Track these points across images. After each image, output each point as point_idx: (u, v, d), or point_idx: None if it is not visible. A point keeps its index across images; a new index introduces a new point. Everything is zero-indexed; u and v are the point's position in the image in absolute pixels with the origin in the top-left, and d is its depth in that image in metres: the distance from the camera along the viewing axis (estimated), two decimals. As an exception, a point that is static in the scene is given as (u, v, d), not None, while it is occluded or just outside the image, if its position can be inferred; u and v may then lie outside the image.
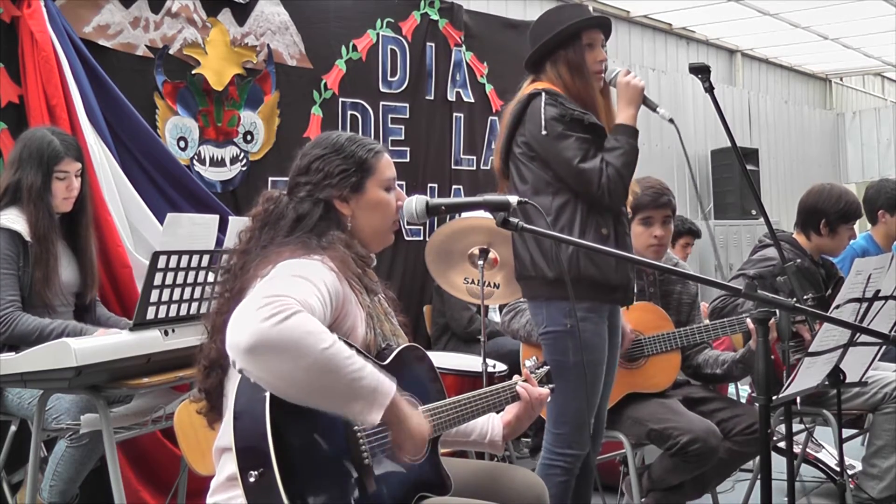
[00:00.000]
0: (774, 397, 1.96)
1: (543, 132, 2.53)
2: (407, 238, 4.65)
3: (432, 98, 4.81)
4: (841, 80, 12.23)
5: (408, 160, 4.66)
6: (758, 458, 3.13)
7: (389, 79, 4.61)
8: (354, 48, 4.44)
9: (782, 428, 2.46)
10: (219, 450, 1.72)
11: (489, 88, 5.06)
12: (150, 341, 2.51)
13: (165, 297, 2.57)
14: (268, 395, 1.53)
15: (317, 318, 1.54)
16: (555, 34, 2.62)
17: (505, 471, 2.09)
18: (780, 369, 2.49)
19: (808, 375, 2.21)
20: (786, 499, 2.39)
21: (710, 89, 2.30)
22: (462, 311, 4.34)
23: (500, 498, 1.93)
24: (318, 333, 1.50)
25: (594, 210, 2.56)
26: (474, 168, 5.02)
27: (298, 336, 1.47)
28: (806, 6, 8.09)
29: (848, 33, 9.38)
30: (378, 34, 4.55)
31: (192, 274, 2.63)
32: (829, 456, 3.89)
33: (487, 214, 1.98)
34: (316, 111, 4.27)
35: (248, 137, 4.01)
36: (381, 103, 4.57)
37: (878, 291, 2.21)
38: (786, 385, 2.16)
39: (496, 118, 4.89)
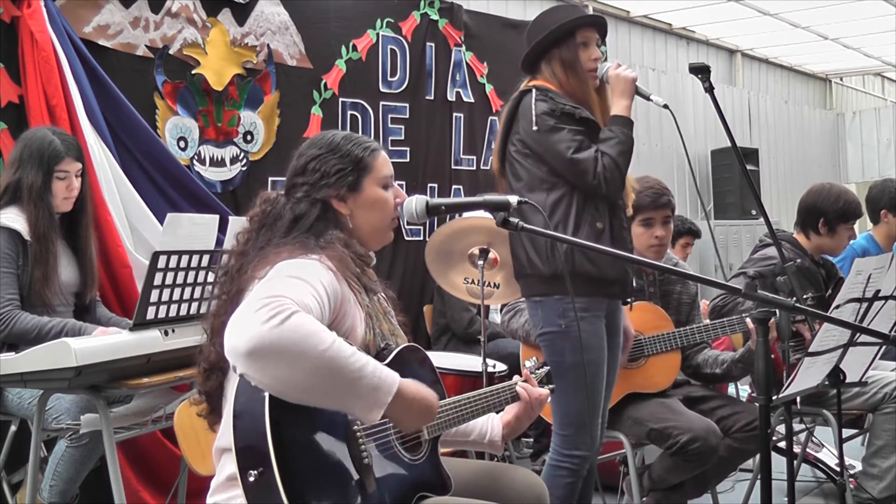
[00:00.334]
0: (774, 397, 1.95)
1: (534, 128, 2.54)
2: (407, 238, 4.65)
3: (432, 98, 4.81)
4: (841, 80, 12.23)
5: (408, 160, 4.66)
6: (758, 458, 3.13)
7: (389, 79, 4.61)
8: (354, 48, 4.44)
9: (782, 428, 2.46)
10: (219, 450, 1.72)
11: (489, 88, 5.06)
12: (150, 341, 2.50)
13: (165, 297, 2.57)
14: (267, 394, 1.53)
15: (315, 318, 1.53)
16: (548, 33, 2.63)
17: (505, 471, 2.08)
18: (780, 369, 2.49)
19: (808, 375, 2.21)
20: (786, 499, 2.38)
21: (710, 89, 2.30)
22: (462, 312, 4.34)
23: (500, 498, 1.93)
24: (317, 334, 1.50)
25: (589, 205, 2.56)
26: (474, 168, 5.02)
27: (298, 338, 1.47)
28: (806, 6, 8.09)
29: (848, 33, 9.38)
30: (378, 34, 4.55)
31: (192, 274, 2.63)
32: (829, 456, 3.89)
33: (487, 214, 1.98)
34: (316, 111, 4.27)
35: (248, 137, 4.01)
36: (381, 103, 4.57)
37: (878, 291, 2.21)
38: (786, 385, 2.16)
39: (496, 118, 4.88)
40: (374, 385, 1.55)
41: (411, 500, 1.78)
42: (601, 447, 2.89)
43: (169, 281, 2.56)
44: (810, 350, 2.19)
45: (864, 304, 2.20)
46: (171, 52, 3.72)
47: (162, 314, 2.57)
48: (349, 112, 4.43)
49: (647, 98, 2.61)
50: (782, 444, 3.18)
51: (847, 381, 2.30)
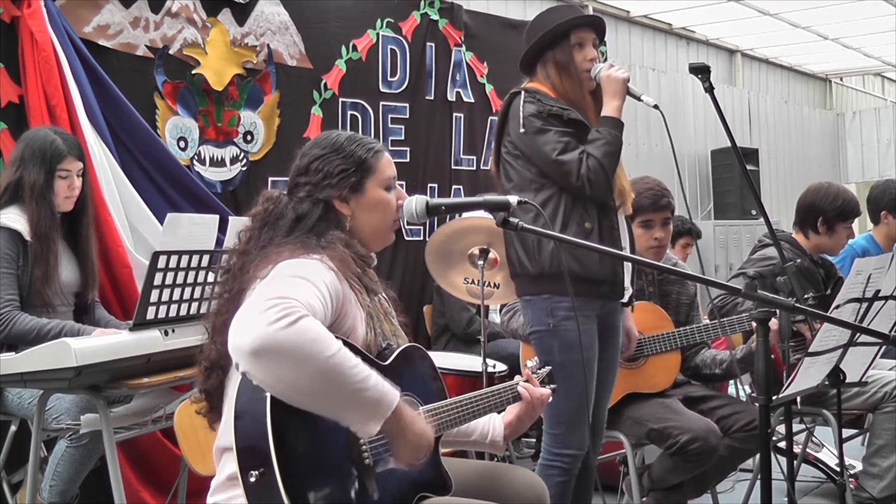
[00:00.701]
0: (774, 397, 1.95)
1: (522, 130, 2.56)
2: (407, 238, 4.65)
3: (432, 98, 4.81)
4: (841, 80, 12.24)
5: (408, 160, 4.66)
6: (758, 458, 3.13)
7: (389, 79, 4.61)
8: (354, 48, 4.44)
9: (782, 428, 2.46)
10: (219, 449, 1.72)
11: (489, 88, 5.06)
12: (150, 341, 2.50)
13: (165, 297, 2.57)
14: (268, 394, 1.53)
15: (319, 319, 1.54)
16: (542, 35, 2.64)
17: (505, 471, 2.08)
18: (780, 369, 2.49)
19: (808, 375, 2.21)
20: (786, 499, 2.39)
21: (710, 89, 2.30)
22: (461, 312, 4.33)
23: (500, 498, 1.93)
24: (323, 340, 1.50)
25: (577, 205, 2.56)
26: (474, 168, 5.02)
27: (304, 342, 1.47)
28: (806, 6, 8.09)
29: (848, 33, 9.38)
30: (378, 34, 4.55)
31: (192, 274, 2.63)
32: (829, 456, 3.89)
33: (487, 214, 1.98)
34: (316, 111, 4.27)
35: (248, 137, 4.01)
36: (381, 103, 4.57)
37: (878, 291, 2.21)
38: (786, 385, 2.16)
39: (496, 118, 4.89)
40: (375, 398, 1.55)
41: (412, 500, 1.78)
42: (601, 447, 2.89)
43: (169, 281, 2.56)
44: (810, 350, 2.19)
45: (864, 304, 2.21)
46: (171, 52, 3.72)
47: (162, 314, 2.57)
48: (349, 112, 4.43)
49: (638, 98, 2.61)
50: (782, 444, 3.18)
51: (847, 381, 2.31)
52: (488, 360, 3.26)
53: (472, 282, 3.48)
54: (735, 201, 8.53)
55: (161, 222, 3.17)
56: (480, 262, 3.31)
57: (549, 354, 2.52)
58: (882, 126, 11.38)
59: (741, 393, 4.18)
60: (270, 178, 4.03)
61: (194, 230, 2.80)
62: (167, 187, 3.59)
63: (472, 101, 5.01)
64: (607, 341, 2.68)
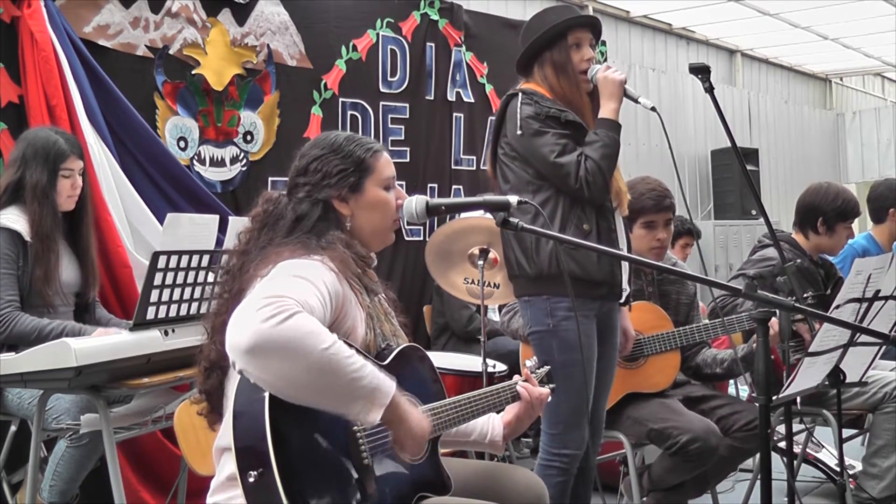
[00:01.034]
0: (774, 397, 1.96)
1: (519, 131, 2.56)
2: (407, 238, 4.65)
3: (432, 98, 4.81)
4: (841, 80, 12.23)
5: (408, 160, 4.66)
6: (758, 458, 3.13)
7: (389, 79, 4.61)
8: (354, 48, 4.44)
9: (782, 428, 2.46)
10: (219, 450, 1.72)
11: (489, 88, 5.06)
12: (150, 341, 2.51)
13: (165, 298, 2.57)
14: (267, 394, 1.53)
15: (316, 318, 1.54)
16: (539, 36, 2.63)
17: (505, 471, 2.09)
18: (780, 369, 2.49)
19: (808, 375, 2.21)
20: (786, 499, 2.39)
21: (710, 89, 2.30)
22: (461, 310, 4.34)
23: (500, 498, 1.93)
24: (318, 334, 1.50)
25: (575, 207, 2.56)
26: (474, 168, 5.02)
27: (299, 337, 1.47)
28: (806, 6, 8.08)
29: (848, 33, 9.37)
30: (378, 34, 4.55)
31: (192, 274, 2.63)
32: (829, 456, 3.89)
33: (487, 214, 1.98)
34: (316, 111, 4.27)
35: (248, 137, 4.01)
36: (381, 103, 4.57)
37: (878, 291, 2.21)
38: (786, 385, 2.16)
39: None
40: (372, 386, 1.56)
41: (411, 500, 1.78)
42: (600, 447, 2.89)
43: (169, 281, 2.56)
44: (810, 350, 2.19)
45: (864, 304, 2.21)
46: (171, 52, 3.72)
47: (162, 314, 2.57)
48: (349, 112, 4.43)
49: (635, 101, 2.61)
50: (782, 444, 3.18)
51: (847, 381, 2.31)
52: (488, 360, 3.26)
53: (472, 282, 3.48)
54: (735, 201, 8.53)
55: (161, 222, 3.17)
56: (480, 262, 3.31)
57: (548, 354, 2.52)
58: (882, 126, 11.37)
59: (741, 393, 4.18)
60: (270, 179, 4.03)
61: (194, 230, 2.80)
62: (167, 187, 3.59)
63: (472, 101, 5.01)
64: (605, 341, 2.68)
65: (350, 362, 1.53)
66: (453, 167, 4.94)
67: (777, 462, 2.27)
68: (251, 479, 1.52)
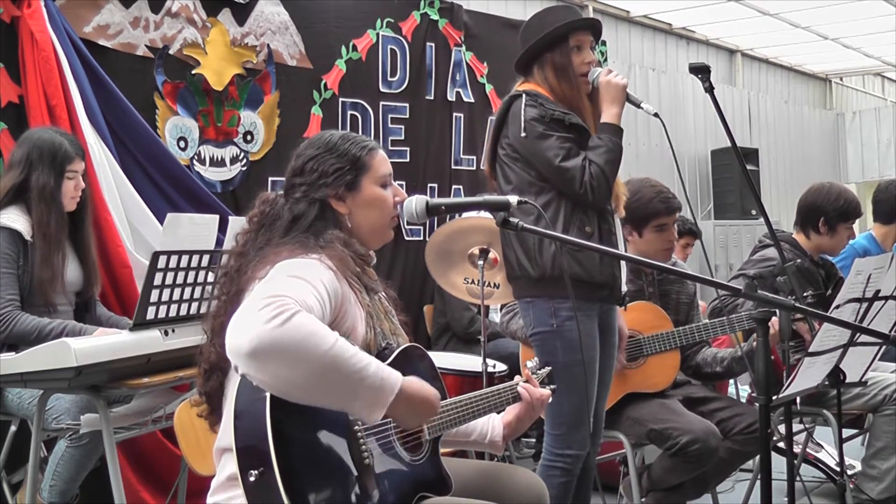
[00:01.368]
0: (774, 397, 1.95)
1: (523, 134, 2.54)
2: (407, 238, 4.65)
3: (432, 98, 4.81)
4: (841, 80, 12.23)
5: (408, 160, 4.66)
6: (758, 458, 3.13)
7: (389, 79, 4.61)
8: (354, 48, 4.44)
9: (782, 428, 2.46)
10: (219, 450, 1.72)
11: (489, 88, 5.06)
12: (150, 341, 2.50)
13: (165, 298, 2.57)
14: (268, 394, 1.53)
15: (316, 317, 1.53)
16: (541, 37, 2.62)
17: (505, 471, 2.08)
18: (780, 369, 2.49)
19: (808, 375, 2.21)
20: (786, 499, 2.38)
21: (710, 89, 2.30)
22: (463, 312, 4.34)
23: (500, 498, 1.93)
24: (319, 334, 1.50)
25: (578, 209, 2.56)
26: (474, 168, 5.02)
27: (300, 338, 1.47)
28: (806, 6, 8.08)
29: (848, 33, 9.38)
30: (378, 34, 4.55)
31: (192, 274, 2.63)
32: (829, 456, 3.89)
33: (487, 214, 1.98)
34: (316, 111, 4.27)
35: (248, 137, 4.01)
36: (381, 103, 4.57)
37: (878, 291, 2.21)
38: (786, 385, 2.16)
39: (496, 118, 4.89)
40: (376, 385, 1.55)
41: (412, 500, 1.78)
42: (600, 447, 2.89)
43: (169, 281, 2.56)
44: (810, 350, 2.19)
45: (864, 304, 2.21)
46: (171, 52, 3.72)
47: (162, 314, 2.57)
48: (349, 112, 4.43)
49: (638, 106, 2.60)
50: (782, 444, 3.18)
51: (847, 381, 2.30)
52: (488, 361, 3.26)
53: (472, 282, 3.48)
54: (735, 201, 8.53)
55: (161, 222, 3.17)
56: (480, 262, 3.31)
57: (552, 355, 2.52)
58: (882, 126, 11.37)
59: (741, 394, 4.18)
60: (270, 178, 4.03)
61: (194, 230, 2.80)
62: (167, 187, 3.59)
63: (472, 101, 5.00)
64: (604, 340, 2.68)
65: (353, 361, 1.52)
66: (453, 167, 4.94)
67: (777, 462, 2.26)
68: (252, 479, 1.52)
